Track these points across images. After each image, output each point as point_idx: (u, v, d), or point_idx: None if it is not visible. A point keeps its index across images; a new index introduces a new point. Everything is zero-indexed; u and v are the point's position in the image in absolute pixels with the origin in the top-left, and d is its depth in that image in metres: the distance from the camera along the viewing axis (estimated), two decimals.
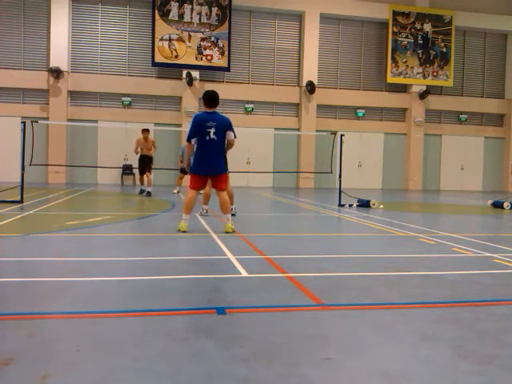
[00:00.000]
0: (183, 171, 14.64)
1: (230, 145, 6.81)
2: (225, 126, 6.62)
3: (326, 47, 22.76)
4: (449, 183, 24.35)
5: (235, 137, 6.74)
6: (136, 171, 20.02)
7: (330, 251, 5.67)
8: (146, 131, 13.85)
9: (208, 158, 6.56)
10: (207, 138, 6.49)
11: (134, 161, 20.17)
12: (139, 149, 13.75)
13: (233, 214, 8.63)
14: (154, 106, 21.37)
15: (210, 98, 6.62)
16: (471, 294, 3.80)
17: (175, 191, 15.04)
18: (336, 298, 3.56)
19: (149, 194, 13.53)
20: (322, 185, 22.34)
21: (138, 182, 20.20)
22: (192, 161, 6.73)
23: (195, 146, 6.63)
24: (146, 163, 13.87)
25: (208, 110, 6.65)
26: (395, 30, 22.95)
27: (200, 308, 3.18)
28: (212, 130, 6.48)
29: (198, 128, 6.52)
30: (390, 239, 6.75)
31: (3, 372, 2.13)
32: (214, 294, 3.57)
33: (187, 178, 7.82)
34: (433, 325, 2.95)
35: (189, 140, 6.62)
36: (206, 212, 8.65)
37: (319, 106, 22.41)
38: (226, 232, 6.66)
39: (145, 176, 13.90)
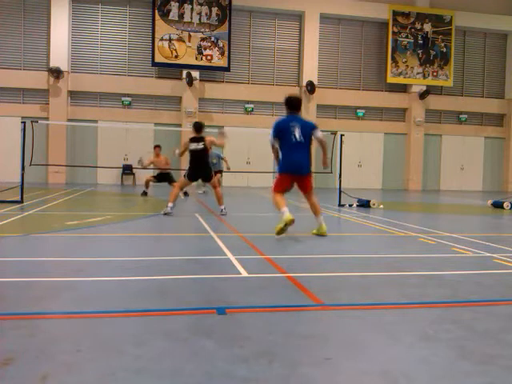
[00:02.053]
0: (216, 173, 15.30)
1: (322, 141, 6.66)
2: (310, 126, 6.57)
3: (326, 47, 22.76)
4: (449, 183, 24.34)
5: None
6: (136, 171, 20.05)
7: (330, 251, 5.66)
8: (157, 147, 13.88)
9: (296, 158, 6.52)
10: (293, 139, 6.43)
11: (134, 161, 20.23)
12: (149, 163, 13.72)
13: (223, 214, 8.85)
14: (154, 106, 21.37)
15: (290, 104, 6.63)
16: (471, 294, 3.80)
17: (201, 191, 15.32)
18: (336, 298, 3.56)
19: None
20: (322, 185, 22.34)
21: (137, 181, 20.26)
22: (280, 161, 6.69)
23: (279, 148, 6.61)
24: (164, 178, 13.83)
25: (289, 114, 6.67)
26: (395, 30, 22.94)
27: (200, 308, 3.18)
28: (297, 131, 6.42)
29: (282, 131, 6.50)
30: (390, 239, 6.75)
31: (3, 372, 2.13)
32: (213, 294, 3.57)
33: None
34: (433, 325, 2.95)
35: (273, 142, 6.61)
36: (170, 210, 8.66)
37: (319, 106, 22.41)
38: (320, 234, 6.65)
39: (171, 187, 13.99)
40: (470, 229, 8.66)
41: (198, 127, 8.90)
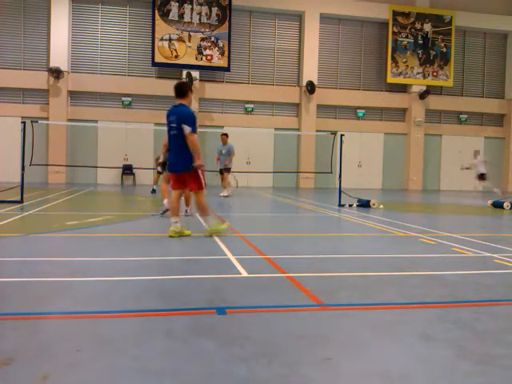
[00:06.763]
0: (222, 171, 14.19)
1: (187, 139, 6.18)
2: (181, 118, 6.19)
3: (326, 47, 22.76)
4: (449, 183, 24.34)
5: (194, 132, 6.20)
6: (136, 171, 20.08)
7: (330, 251, 5.66)
8: None
9: (172, 154, 6.42)
10: (171, 133, 6.33)
11: (134, 161, 20.29)
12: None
13: (187, 215, 8.43)
14: (154, 106, 21.36)
15: (176, 89, 6.37)
16: (471, 294, 3.80)
17: (225, 194, 13.89)
18: (336, 298, 3.56)
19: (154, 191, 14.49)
20: (322, 185, 22.34)
21: (137, 181, 20.31)
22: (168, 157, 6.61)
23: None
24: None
25: (175, 103, 6.41)
26: (395, 30, 22.94)
27: (200, 308, 3.18)
28: (173, 125, 6.25)
29: (167, 123, 6.40)
30: (390, 239, 6.75)
31: (3, 372, 2.13)
32: (214, 294, 3.57)
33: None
34: (433, 325, 2.95)
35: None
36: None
37: (319, 106, 22.40)
38: (210, 234, 6.42)
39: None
40: (470, 229, 8.66)
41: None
